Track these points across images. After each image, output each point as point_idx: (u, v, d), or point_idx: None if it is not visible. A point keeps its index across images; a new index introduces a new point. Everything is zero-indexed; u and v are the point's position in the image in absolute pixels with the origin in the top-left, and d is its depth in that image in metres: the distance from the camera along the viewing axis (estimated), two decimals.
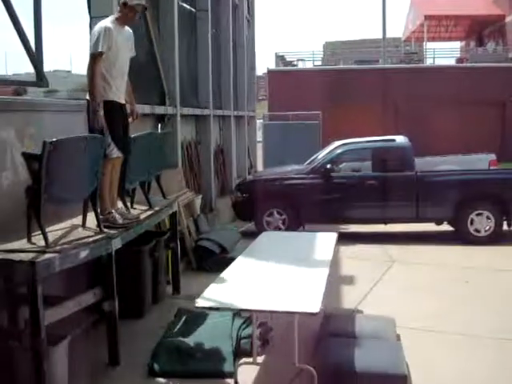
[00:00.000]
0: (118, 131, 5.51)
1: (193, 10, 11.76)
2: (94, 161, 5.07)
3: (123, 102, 5.68)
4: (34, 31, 5.86)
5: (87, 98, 5.39)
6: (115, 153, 5.51)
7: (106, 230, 5.22)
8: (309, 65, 31.44)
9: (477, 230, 10.63)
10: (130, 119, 5.90)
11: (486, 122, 25.73)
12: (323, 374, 4.73)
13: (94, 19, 7.05)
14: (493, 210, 10.61)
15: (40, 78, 5.85)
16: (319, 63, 31.97)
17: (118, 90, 5.55)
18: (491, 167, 11.97)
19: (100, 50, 5.26)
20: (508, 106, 26.17)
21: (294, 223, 10.99)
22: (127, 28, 5.76)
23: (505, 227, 10.67)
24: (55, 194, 4.62)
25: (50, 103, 6.10)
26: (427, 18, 32.77)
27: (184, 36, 10.89)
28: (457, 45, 40.34)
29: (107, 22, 5.46)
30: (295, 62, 31.65)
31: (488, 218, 10.58)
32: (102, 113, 5.30)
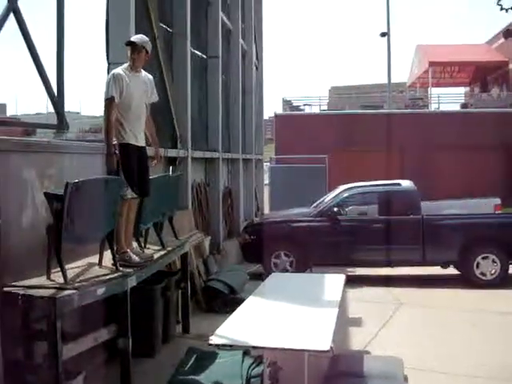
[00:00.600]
0: (132, 173, 5.69)
1: (204, 56, 12.12)
2: (113, 202, 5.26)
3: (141, 144, 5.88)
4: (56, 75, 6.11)
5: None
6: (129, 193, 5.69)
7: (121, 268, 5.37)
8: (315, 109, 31.91)
9: (482, 274, 10.73)
10: (154, 161, 6.09)
11: (491, 166, 25.94)
12: None
13: (111, 65, 7.35)
14: (498, 253, 10.72)
15: (61, 121, 6.10)
16: (325, 108, 32.45)
17: (134, 133, 5.75)
18: (496, 211, 12.11)
19: (111, 95, 5.49)
20: None
21: (302, 265, 11.10)
22: (144, 73, 5.99)
23: (511, 271, 10.75)
24: (75, 232, 4.80)
25: (68, 145, 6.32)
26: (432, 64, 33.28)
27: (195, 82, 11.22)
28: (461, 90, 40.84)
29: (118, 69, 5.72)
30: (302, 107, 32.13)
31: (494, 261, 10.69)
32: (114, 156, 5.50)
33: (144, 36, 5.99)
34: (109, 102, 5.52)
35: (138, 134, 5.82)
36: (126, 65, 5.86)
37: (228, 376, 5.65)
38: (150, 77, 6.07)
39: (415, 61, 37.89)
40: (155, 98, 6.10)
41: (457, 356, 6.72)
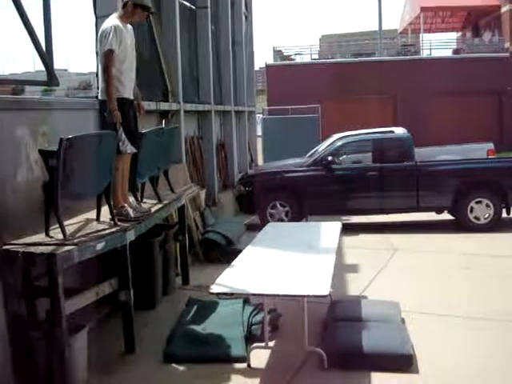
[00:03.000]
0: (131, 127, 5.69)
1: (193, 7, 11.91)
2: (108, 157, 5.25)
3: (132, 97, 5.86)
4: (43, 31, 5.99)
5: (99, 97, 5.56)
6: (129, 148, 5.69)
7: (119, 223, 5.41)
8: (306, 58, 31.61)
9: (476, 218, 10.84)
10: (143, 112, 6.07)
11: (483, 111, 25.95)
12: (332, 355, 4.95)
13: (99, 19, 7.23)
14: (492, 197, 10.81)
15: (51, 77, 6.00)
16: (316, 57, 32.14)
17: (129, 87, 5.73)
18: (489, 156, 12.17)
19: (112, 47, 5.41)
20: (505, 95, 26.35)
21: (297, 215, 11.18)
22: (130, 26, 5.91)
23: (504, 215, 10.87)
24: (71, 189, 4.80)
25: (60, 102, 6.28)
26: (423, 9, 32.84)
27: (185, 33, 11.06)
28: (453, 36, 40.45)
29: (115, 21, 5.60)
30: (293, 56, 31.81)
31: (487, 205, 10.79)
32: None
33: None
34: (109, 53, 5.42)
35: (131, 87, 5.79)
36: (116, 15, 5.75)
37: (229, 324, 5.76)
38: (132, 29, 5.97)
39: (406, 6, 37.38)
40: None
41: (452, 298, 6.84)
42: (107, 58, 5.44)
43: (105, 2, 7.13)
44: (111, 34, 5.43)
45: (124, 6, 5.76)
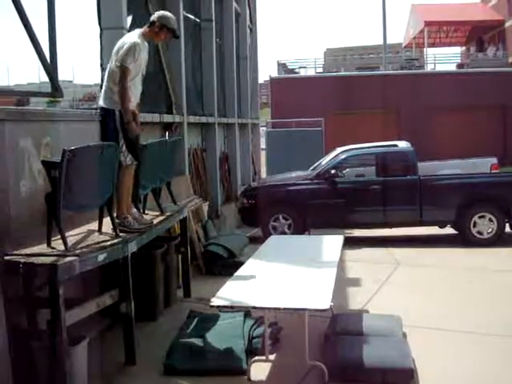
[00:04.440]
0: (133, 139, 5.71)
1: (197, 20, 11.98)
2: (111, 168, 5.27)
3: (136, 110, 5.89)
4: (48, 42, 6.04)
5: (103, 105, 5.59)
6: (130, 160, 5.71)
7: (121, 234, 5.41)
8: (310, 72, 31.71)
9: (479, 233, 10.82)
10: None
11: (487, 126, 25.93)
12: (333, 369, 4.92)
13: (104, 31, 7.29)
14: (495, 212, 10.80)
15: (55, 89, 6.05)
16: (321, 70, 32.25)
17: (135, 100, 5.78)
18: (493, 171, 12.15)
19: (128, 66, 5.46)
20: (509, 110, 26.36)
21: (300, 228, 11.17)
22: (146, 43, 5.95)
23: (507, 229, 10.85)
24: (74, 200, 4.81)
25: (63, 113, 6.30)
26: (427, 23, 32.99)
27: (189, 46, 11.12)
28: (457, 50, 40.60)
29: (137, 38, 5.66)
30: (297, 70, 31.92)
31: (490, 220, 10.77)
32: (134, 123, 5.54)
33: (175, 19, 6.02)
34: (125, 69, 5.48)
35: (136, 100, 5.84)
36: (139, 32, 5.81)
37: (230, 337, 5.73)
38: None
39: (411, 21, 37.54)
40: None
41: (454, 313, 6.82)
42: (123, 74, 5.49)
43: (109, 14, 7.19)
44: (130, 51, 5.49)
45: (151, 24, 5.83)
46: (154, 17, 5.88)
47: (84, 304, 4.98)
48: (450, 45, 40.51)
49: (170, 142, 7.49)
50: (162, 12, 6.06)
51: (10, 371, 4.45)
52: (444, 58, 33.61)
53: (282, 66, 31.01)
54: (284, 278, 5.56)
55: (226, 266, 8.61)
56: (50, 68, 5.95)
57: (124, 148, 5.60)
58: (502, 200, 10.88)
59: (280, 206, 11.44)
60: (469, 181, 11.27)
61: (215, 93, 12.39)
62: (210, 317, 6.34)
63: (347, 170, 12.15)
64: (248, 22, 17.26)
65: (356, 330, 5.77)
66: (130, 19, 7.99)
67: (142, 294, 6.04)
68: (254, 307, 4.98)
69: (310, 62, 32.82)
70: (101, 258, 4.86)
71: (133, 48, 5.52)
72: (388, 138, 14.46)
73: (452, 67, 31.71)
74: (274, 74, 29.92)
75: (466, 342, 5.90)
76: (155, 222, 6.27)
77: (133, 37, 5.69)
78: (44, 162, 4.93)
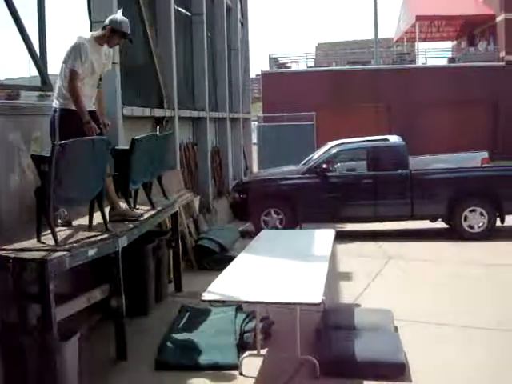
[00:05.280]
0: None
1: (188, 14, 11.92)
2: (101, 162, 5.23)
3: (92, 108, 5.69)
4: (38, 36, 6.00)
5: (55, 105, 5.46)
6: None
7: (112, 229, 5.37)
8: (302, 66, 31.69)
9: (470, 227, 10.85)
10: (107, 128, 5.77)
11: (478, 120, 26.03)
12: (325, 363, 4.92)
13: (94, 24, 7.23)
14: (486, 206, 10.82)
15: (44, 82, 6.00)
16: (312, 65, 32.23)
17: (86, 99, 5.54)
18: (483, 165, 12.19)
19: (75, 69, 5.32)
20: (500, 105, 26.46)
21: (291, 222, 11.17)
22: (106, 47, 5.78)
23: (498, 223, 10.88)
24: (64, 194, 4.77)
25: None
26: (419, 18, 32.97)
27: (180, 40, 11.06)
28: (448, 45, 40.62)
29: (85, 39, 5.51)
30: (288, 64, 31.88)
31: (481, 214, 10.80)
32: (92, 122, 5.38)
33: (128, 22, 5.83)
34: (73, 72, 5.32)
35: (90, 99, 5.63)
36: (92, 34, 5.67)
37: (221, 332, 5.73)
38: (110, 49, 5.89)
39: (402, 15, 37.51)
40: (109, 67, 5.96)
41: (445, 307, 6.83)
42: (71, 77, 5.33)
43: (99, 7, 7.12)
44: (72, 53, 5.35)
45: (103, 28, 5.68)
46: (106, 20, 5.71)
47: (74, 299, 4.96)
48: (441, 39, 40.53)
49: (161, 136, 7.46)
50: (113, 15, 5.88)
51: None
52: (435, 53, 33.66)
53: (273, 61, 30.96)
54: (276, 272, 5.55)
55: (217, 260, 8.61)
56: (40, 62, 5.90)
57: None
58: (493, 194, 10.91)
59: (271, 200, 11.43)
60: (460, 175, 11.30)
61: (206, 87, 12.34)
62: (202, 311, 6.33)
63: (339, 164, 12.15)
64: (239, 16, 17.21)
65: (348, 324, 5.77)
66: (120, 12, 7.92)
67: (133, 288, 6.01)
68: (246, 302, 4.97)
69: (301, 56, 32.78)
70: (91, 252, 4.82)
71: (74, 50, 5.37)
72: (379, 132, 14.49)
73: (443, 62, 31.77)
74: (266, 68, 29.88)
75: (457, 336, 5.91)
76: (146, 216, 6.23)
77: (81, 38, 5.51)
78: (33, 157, 4.89)
